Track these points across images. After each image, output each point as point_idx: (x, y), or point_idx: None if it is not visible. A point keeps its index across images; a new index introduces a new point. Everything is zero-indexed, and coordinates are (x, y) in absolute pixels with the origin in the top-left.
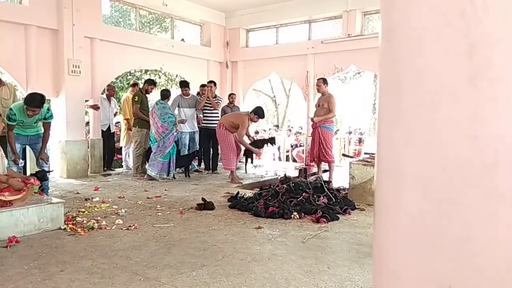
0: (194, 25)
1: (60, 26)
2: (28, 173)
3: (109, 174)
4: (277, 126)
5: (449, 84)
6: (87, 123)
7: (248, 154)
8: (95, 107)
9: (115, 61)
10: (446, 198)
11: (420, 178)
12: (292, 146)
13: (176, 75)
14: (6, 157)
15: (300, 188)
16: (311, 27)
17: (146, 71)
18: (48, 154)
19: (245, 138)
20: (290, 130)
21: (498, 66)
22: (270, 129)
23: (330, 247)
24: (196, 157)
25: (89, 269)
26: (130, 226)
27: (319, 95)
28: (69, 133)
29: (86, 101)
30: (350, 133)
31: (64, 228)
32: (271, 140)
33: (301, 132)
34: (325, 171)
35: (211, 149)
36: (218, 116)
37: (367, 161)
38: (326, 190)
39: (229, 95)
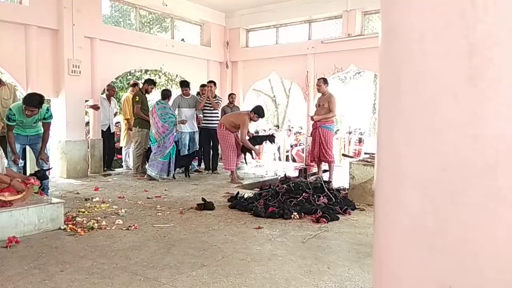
0: (194, 25)
1: (60, 26)
2: (28, 173)
3: (109, 174)
4: (277, 126)
5: (449, 84)
6: (87, 123)
7: (245, 150)
8: (95, 107)
9: (115, 61)
10: (446, 198)
11: (420, 178)
12: (291, 146)
13: (176, 75)
14: (6, 157)
15: (300, 188)
16: (311, 27)
17: (146, 71)
18: (48, 154)
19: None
20: (290, 130)
21: (498, 66)
22: (270, 129)
23: (330, 247)
24: (196, 157)
25: (89, 269)
26: (130, 226)
27: (319, 95)
28: (69, 133)
29: (86, 101)
30: (350, 133)
31: (64, 228)
32: (271, 138)
33: (300, 132)
34: (325, 171)
35: (211, 149)
36: (218, 116)
37: (367, 161)
38: (326, 190)
39: (229, 95)
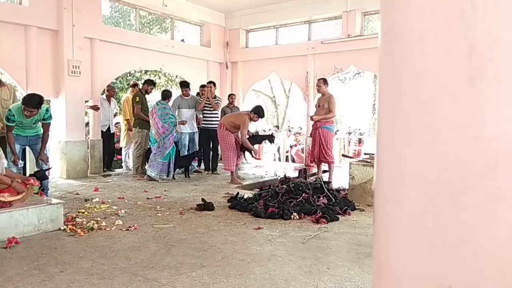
0: (194, 26)
1: (60, 27)
2: (27, 174)
3: (109, 175)
4: (277, 126)
5: (449, 85)
6: (87, 124)
7: (245, 149)
8: (95, 108)
9: (115, 61)
10: (446, 199)
11: (420, 178)
12: (291, 147)
13: (176, 76)
14: (6, 157)
15: (300, 188)
16: (311, 27)
17: (146, 71)
18: (48, 155)
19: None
20: (289, 131)
21: (498, 67)
22: (270, 129)
23: (330, 247)
24: (196, 158)
25: (88, 270)
26: (129, 227)
27: (319, 95)
28: (69, 134)
29: (86, 101)
30: (350, 133)
31: (64, 229)
32: (270, 138)
33: (300, 133)
34: (324, 171)
35: (211, 150)
36: (218, 117)
37: (367, 162)
38: (326, 190)
39: (229, 96)
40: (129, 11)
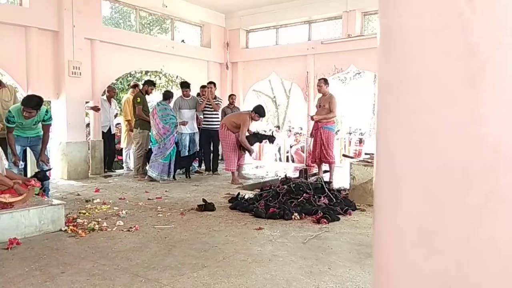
0: (194, 26)
1: (60, 28)
2: (28, 175)
3: (110, 176)
4: (278, 127)
5: (448, 85)
6: (88, 125)
7: (243, 149)
8: (96, 109)
9: (116, 62)
10: (446, 199)
11: (420, 178)
12: (291, 147)
13: (177, 76)
14: (7, 158)
15: (301, 188)
16: (311, 27)
17: (147, 72)
18: (48, 156)
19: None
20: (290, 131)
21: (496, 67)
22: (270, 129)
23: (331, 247)
24: (197, 158)
25: (90, 271)
26: (131, 228)
27: (320, 95)
28: (69, 135)
29: (87, 102)
30: (350, 133)
31: (65, 230)
32: (271, 138)
33: (300, 133)
34: (325, 171)
35: (212, 150)
36: (218, 117)
37: (368, 162)
38: (326, 190)
39: (229, 96)
40: (129, 12)
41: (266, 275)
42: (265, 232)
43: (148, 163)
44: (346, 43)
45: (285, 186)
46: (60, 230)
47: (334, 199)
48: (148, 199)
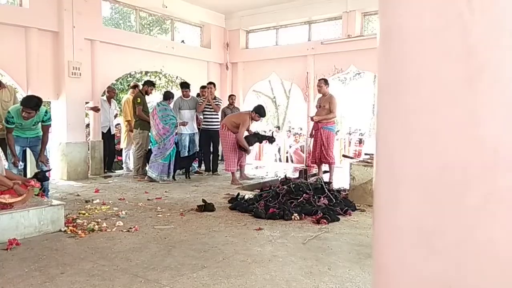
0: (194, 27)
1: (60, 28)
2: (28, 175)
3: (110, 176)
4: (278, 127)
5: (448, 86)
6: (88, 125)
7: (241, 149)
8: (95, 109)
9: (115, 63)
10: (445, 199)
11: (419, 179)
12: (290, 147)
13: (177, 77)
14: (6, 159)
15: (301, 189)
16: (310, 28)
17: (147, 72)
18: (48, 157)
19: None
20: (290, 131)
21: (495, 68)
22: (270, 130)
23: (330, 248)
24: (197, 159)
25: (89, 271)
26: (130, 228)
27: (319, 95)
28: (69, 135)
29: (87, 103)
30: (350, 134)
31: (65, 230)
32: (271, 138)
33: (300, 134)
34: (325, 172)
35: (211, 151)
36: (218, 118)
37: (368, 162)
38: (326, 191)
39: (229, 96)
40: (129, 12)
41: (266, 276)
42: (265, 232)
43: (148, 164)
44: (346, 44)
45: (285, 187)
46: (60, 230)
47: (334, 200)
48: (148, 199)
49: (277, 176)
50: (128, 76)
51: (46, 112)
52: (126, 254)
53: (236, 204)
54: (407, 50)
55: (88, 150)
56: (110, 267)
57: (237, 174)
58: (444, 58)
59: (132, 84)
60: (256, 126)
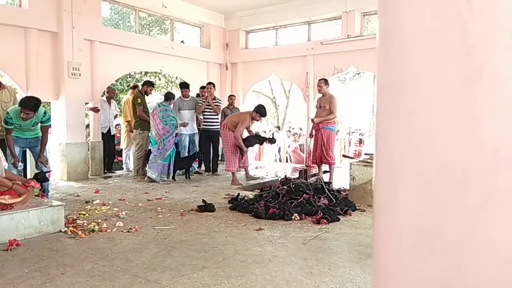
0: (193, 27)
1: (60, 29)
2: (28, 176)
3: (110, 177)
4: (278, 127)
5: (447, 86)
6: (87, 126)
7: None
8: (95, 110)
9: (115, 63)
10: (445, 200)
11: (419, 179)
12: (289, 146)
13: (176, 77)
14: (6, 160)
15: (301, 189)
16: (310, 28)
17: (146, 73)
18: (47, 157)
19: (245, 134)
20: (289, 131)
21: (495, 68)
22: (270, 130)
23: (331, 248)
24: (197, 159)
25: (89, 272)
26: (130, 229)
27: (319, 95)
28: (69, 136)
29: (86, 103)
30: (350, 134)
31: (65, 231)
32: (271, 140)
33: (299, 134)
34: (325, 172)
35: (211, 151)
36: (218, 118)
37: (368, 162)
38: (326, 191)
39: (229, 97)
40: (129, 12)
41: (266, 276)
42: (265, 232)
43: (148, 164)
44: (346, 44)
45: (285, 187)
46: (60, 231)
47: (334, 200)
48: (148, 200)
49: (277, 176)
50: (128, 76)
51: (45, 112)
52: (126, 255)
53: (236, 204)
54: (406, 50)
55: (88, 150)
56: (111, 267)
57: (237, 175)
58: (443, 58)
59: (131, 84)
60: (256, 126)
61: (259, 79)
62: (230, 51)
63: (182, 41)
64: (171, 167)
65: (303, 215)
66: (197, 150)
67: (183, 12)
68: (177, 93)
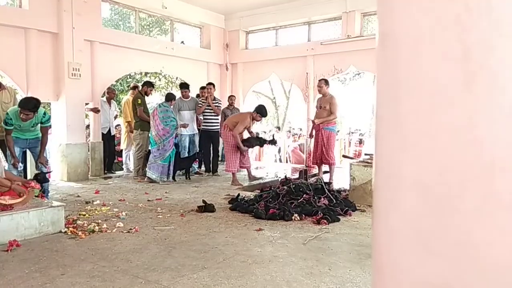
0: (193, 28)
1: (60, 30)
2: (28, 177)
3: (110, 177)
4: (278, 127)
5: (445, 89)
6: (88, 126)
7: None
8: (95, 110)
9: (115, 64)
10: (444, 202)
11: (418, 181)
12: (288, 146)
13: (176, 78)
14: (6, 160)
15: (301, 189)
16: (310, 28)
17: (146, 73)
18: (47, 158)
19: (246, 135)
20: (290, 132)
21: (493, 71)
22: (270, 130)
23: (331, 248)
24: (197, 160)
25: (90, 273)
26: (130, 229)
27: (319, 96)
28: (69, 136)
29: (86, 104)
30: (350, 134)
31: (65, 232)
32: (272, 141)
33: (299, 134)
34: (325, 172)
35: (211, 152)
36: (218, 118)
37: (368, 162)
38: (326, 191)
39: (229, 97)
40: (129, 13)
41: (266, 276)
42: (265, 233)
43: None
44: (346, 44)
45: (285, 187)
46: (60, 231)
47: (334, 200)
48: (148, 200)
49: (277, 176)
50: (128, 77)
51: (44, 113)
52: (127, 255)
53: (237, 204)
54: (404, 53)
55: (88, 151)
56: (111, 268)
57: (238, 175)
58: (441, 60)
59: (132, 85)
60: (256, 127)
61: (259, 79)
62: (230, 52)
63: (182, 42)
64: (171, 168)
65: (303, 215)
66: (197, 151)
67: (183, 13)
68: (177, 93)
